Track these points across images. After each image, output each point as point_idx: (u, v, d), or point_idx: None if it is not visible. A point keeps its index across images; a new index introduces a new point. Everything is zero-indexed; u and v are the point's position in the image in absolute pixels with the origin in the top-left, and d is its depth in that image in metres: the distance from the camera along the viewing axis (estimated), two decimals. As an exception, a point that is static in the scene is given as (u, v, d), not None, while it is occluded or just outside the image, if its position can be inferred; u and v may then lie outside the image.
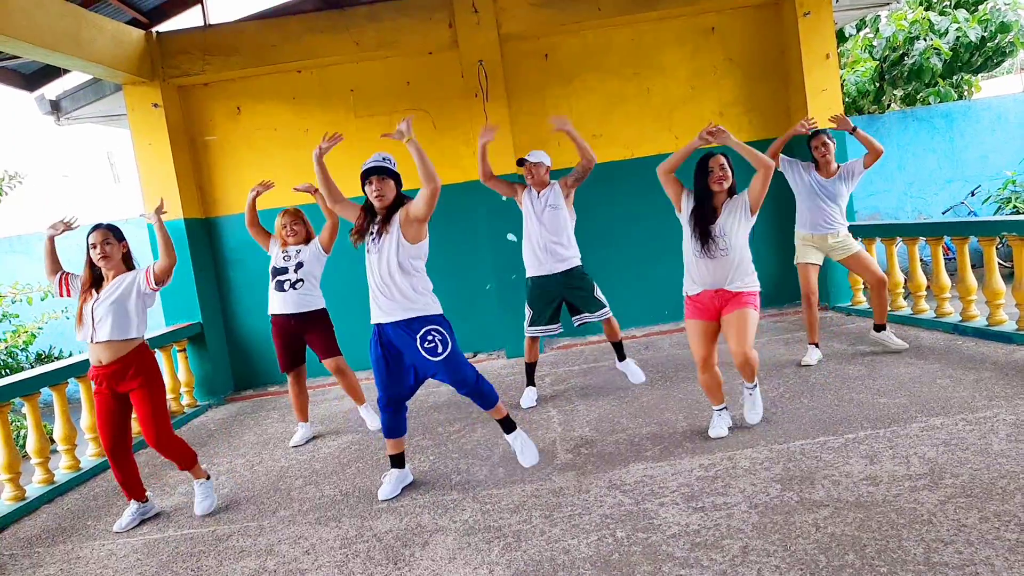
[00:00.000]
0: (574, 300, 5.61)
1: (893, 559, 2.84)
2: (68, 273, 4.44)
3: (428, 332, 4.07)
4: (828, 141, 5.76)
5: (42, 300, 8.37)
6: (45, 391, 5.53)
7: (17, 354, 8.09)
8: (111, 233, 4.27)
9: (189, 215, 7.82)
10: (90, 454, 5.84)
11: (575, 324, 5.76)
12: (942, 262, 6.37)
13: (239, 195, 8.12)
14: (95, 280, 4.33)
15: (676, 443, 4.49)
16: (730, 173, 4.33)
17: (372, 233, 4.12)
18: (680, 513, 3.53)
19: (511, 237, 7.70)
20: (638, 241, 8.15)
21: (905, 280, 6.96)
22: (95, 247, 4.22)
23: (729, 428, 4.56)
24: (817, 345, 5.92)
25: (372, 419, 5.82)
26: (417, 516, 3.98)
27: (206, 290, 7.94)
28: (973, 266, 6.72)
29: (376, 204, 4.09)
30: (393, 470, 4.40)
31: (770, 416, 4.71)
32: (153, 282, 4.27)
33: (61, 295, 4.47)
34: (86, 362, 5.84)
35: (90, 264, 4.30)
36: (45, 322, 8.21)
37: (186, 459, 4.43)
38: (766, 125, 8.20)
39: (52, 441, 5.59)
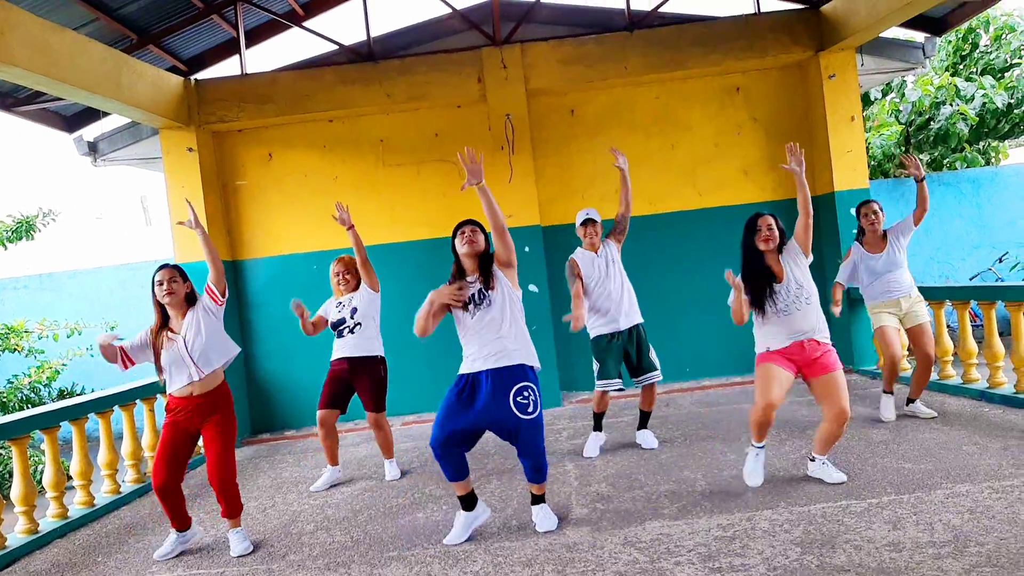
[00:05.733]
0: (636, 356, 5.58)
1: (916, 629, 2.75)
2: (121, 347, 4.34)
3: (525, 387, 4.04)
4: (879, 210, 5.74)
5: (68, 337, 8.45)
6: (65, 426, 5.55)
7: (40, 390, 8.14)
8: (176, 271, 4.38)
9: (216, 257, 7.91)
10: (105, 491, 5.83)
11: (635, 383, 5.70)
12: (969, 327, 6.28)
13: (267, 239, 8.27)
14: (164, 322, 4.37)
15: (694, 502, 4.41)
16: (777, 233, 4.39)
17: (474, 297, 4.11)
18: (696, 573, 3.44)
19: (532, 288, 7.72)
20: (657, 298, 8.07)
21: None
22: (161, 284, 4.29)
23: (763, 478, 4.48)
24: (891, 393, 5.86)
25: (392, 471, 5.76)
26: (427, 566, 3.91)
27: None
28: (1001, 333, 6.61)
29: (466, 249, 4.14)
30: (461, 512, 4.27)
31: (791, 477, 4.62)
32: (218, 295, 4.40)
33: (126, 368, 4.38)
34: (107, 398, 5.90)
35: (158, 304, 4.35)
36: (70, 359, 8.27)
37: (236, 506, 4.45)
38: (792, 184, 8.17)
39: (68, 477, 5.59)
